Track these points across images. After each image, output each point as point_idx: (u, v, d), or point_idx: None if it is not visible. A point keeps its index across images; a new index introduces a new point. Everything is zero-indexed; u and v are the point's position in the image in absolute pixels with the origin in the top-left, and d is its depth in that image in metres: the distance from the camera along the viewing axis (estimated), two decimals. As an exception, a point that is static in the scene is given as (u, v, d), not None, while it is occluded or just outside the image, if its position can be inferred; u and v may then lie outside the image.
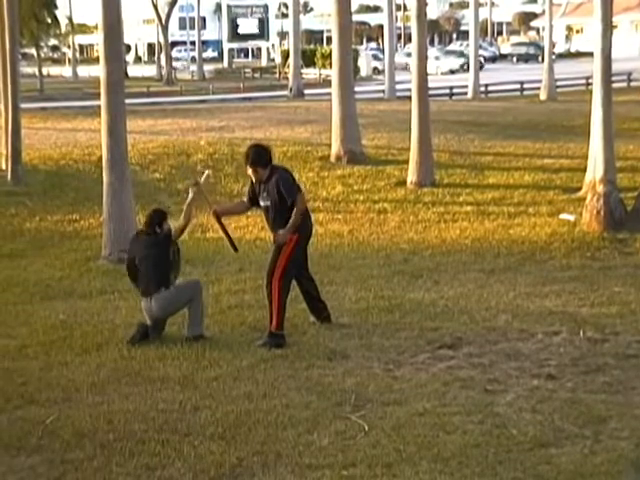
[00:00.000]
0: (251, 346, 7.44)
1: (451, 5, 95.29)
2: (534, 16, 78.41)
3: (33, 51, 48.02)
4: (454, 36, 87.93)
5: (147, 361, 7.03)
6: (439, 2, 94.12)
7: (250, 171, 7.65)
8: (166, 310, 7.62)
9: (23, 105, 18.29)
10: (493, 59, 62.97)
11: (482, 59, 57.59)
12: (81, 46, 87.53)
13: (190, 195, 7.92)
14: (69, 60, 67.77)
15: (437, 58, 54.41)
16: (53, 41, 60.30)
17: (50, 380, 6.60)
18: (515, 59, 63.81)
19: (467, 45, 45.46)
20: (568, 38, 72.69)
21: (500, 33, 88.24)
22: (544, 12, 37.81)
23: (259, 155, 7.58)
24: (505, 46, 72.58)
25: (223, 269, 10.91)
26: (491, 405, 5.99)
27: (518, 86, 36.71)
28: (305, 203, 7.67)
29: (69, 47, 68.28)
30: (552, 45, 35.99)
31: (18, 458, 5.23)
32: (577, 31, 71.84)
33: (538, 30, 72.60)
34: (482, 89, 35.32)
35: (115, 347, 7.43)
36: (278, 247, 7.57)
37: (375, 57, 54.84)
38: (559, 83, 34.54)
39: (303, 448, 5.34)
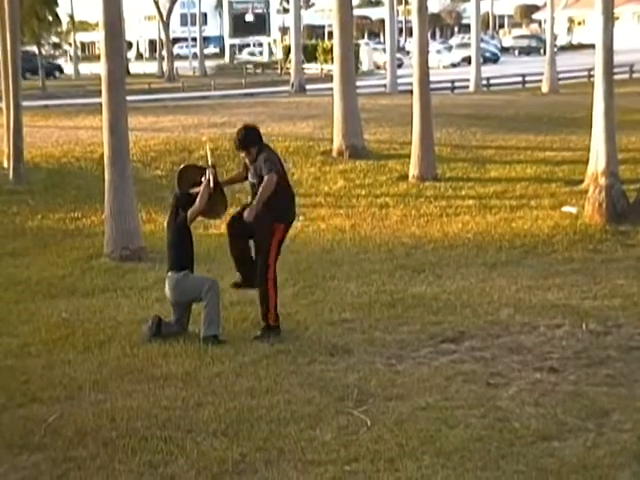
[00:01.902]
0: (253, 342, 7.45)
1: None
2: (536, 8, 78.22)
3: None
4: (455, 29, 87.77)
5: (150, 358, 7.04)
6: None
7: (243, 154, 7.71)
8: (173, 293, 7.63)
9: (25, 103, 18.29)
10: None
11: (498, 52, 57.66)
12: (82, 43, 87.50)
13: (208, 177, 7.74)
14: (70, 57, 67.76)
15: (439, 52, 54.34)
16: (54, 39, 60.36)
17: (53, 378, 6.60)
18: (517, 52, 63.66)
19: (469, 38, 45.28)
20: (570, 30, 72.52)
21: (502, 26, 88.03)
22: (546, 4, 37.68)
23: (248, 136, 7.67)
24: (507, 39, 72.42)
25: (225, 265, 10.84)
26: (493, 399, 6.00)
27: (520, 79, 36.65)
28: (272, 184, 7.38)
29: (70, 45, 68.29)
30: (554, 37, 35.93)
31: (21, 456, 5.24)
32: (579, 23, 71.67)
33: (540, 22, 72.44)
34: (484, 82, 35.27)
35: (118, 345, 7.43)
36: (263, 238, 7.49)
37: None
38: (561, 75, 34.48)
39: (306, 444, 5.35)
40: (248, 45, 76.41)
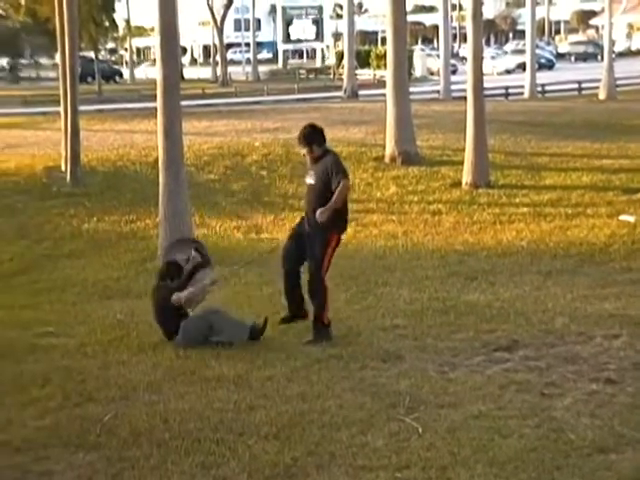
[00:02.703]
0: (305, 347, 7.45)
1: (508, 4, 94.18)
2: (593, 14, 77.16)
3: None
4: (510, 35, 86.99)
5: (202, 360, 7.09)
6: (495, 1, 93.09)
7: (305, 150, 7.71)
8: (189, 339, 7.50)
9: (82, 107, 18.59)
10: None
11: (554, 58, 57.01)
12: (138, 48, 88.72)
13: (207, 282, 7.67)
14: (126, 62, 68.73)
15: (493, 58, 53.89)
16: (111, 44, 61.30)
17: (108, 378, 6.69)
18: (573, 58, 62.87)
19: (524, 44, 44.83)
20: (629, 36, 71.34)
21: (558, 32, 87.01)
22: (604, 10, 37.17)
23: (314, 134, 7.69)
24: (563, 45, 71.56)
25: (277, 270, 10.91)
26: (548, 409, 5.90)
27: (576, 85, 36.17)
28: (348, 192, 7.58)
29: (126, 50, 69.27)
30: (612, 43, 35.39)
31: (77, 455, 5.30)
32: (638, 29, 70.48)
33: (597, 28, 71.42)
34: (539, 89, 34.88)
35: (171, 346, 7.49)
36: (318, 246, 7.49)
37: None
38: (619, 82, 33.94)
39: (357, 449, 5.32)
40: (301, 51, 76.76)
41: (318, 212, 7.42)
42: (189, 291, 7.48)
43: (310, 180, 7.66)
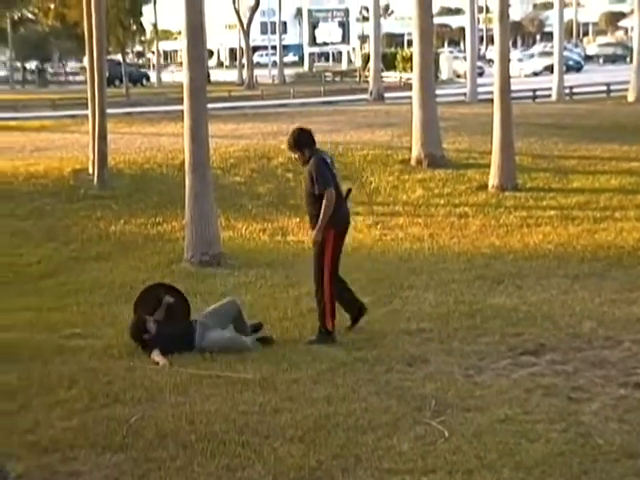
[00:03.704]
0: (331, 349, 7.45)
1: (535, 6, 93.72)
2: (622, 16, 76.60)
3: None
4: (538, 38, 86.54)
5: (228, 363, 7.11)
6: (522, 3, 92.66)
7: (297, 155, 7.84)
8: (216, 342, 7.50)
9: (109, 110, 18.72)
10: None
11: (582, 60, 56.59)
12: (165, 52, 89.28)
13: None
14: (153, 65, 69.16)
15: (520, 60, 53.62)
16: (138, 47, 61.66)
17: (134, 380, 6.72)
18: (602, 60, 62.39)
19: (552, 47, 44.52)
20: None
21: (586, 34, 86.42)
22: (633, 11, 36.81)
23: (300, 137, 7.77)
24: (591, 47, 71.05)
25: (303, 272, 10.92)
26: (575, 414, 5.86)
27: (604, 88, 35.87)
28: (333, 199, 7.50)
29: (153, 53, 69.67)
30: (640, 45, 35.01)
31: (104, 455, 5.34)
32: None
33: (626, 30, 70.84)
34: (567, 91, 34.64)
35: (197, 348, 7.52)
36: (317, 247, 7.62)
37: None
38: (648, 84, 33.57)
39: (383, 452, 5.31)
40: (327, 54, 76.86)
41: (313, 234, 7.61)
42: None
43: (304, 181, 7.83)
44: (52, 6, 35.62)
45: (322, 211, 7.49)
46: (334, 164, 7.95)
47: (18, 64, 66.98)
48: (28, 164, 18.39)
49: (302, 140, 7.78)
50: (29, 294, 10.44)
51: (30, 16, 44.00)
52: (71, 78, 66.02)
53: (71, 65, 71.44)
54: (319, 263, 7.66)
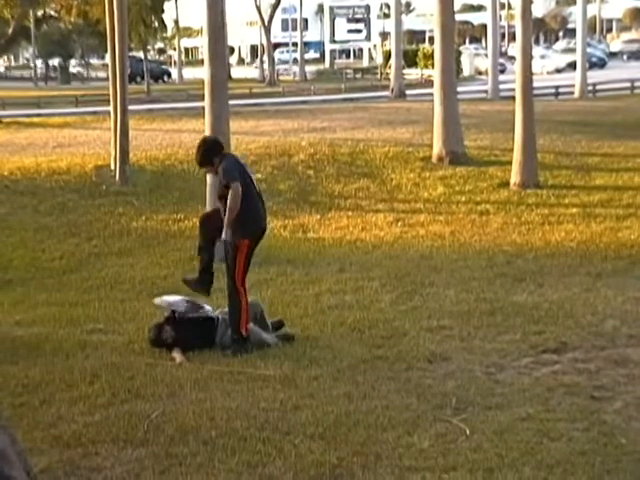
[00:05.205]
0: (352, 346, 7.44)
1: (558, 2, 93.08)
2: (646, 12, 75.91)
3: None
4: (560, 34, 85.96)
5: (249, 359, 7.12)
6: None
7: (207, 169, 7.63)
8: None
9: (131, 107, 18.79)
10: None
11: (605, 57, 56.12)
12: (186, 49, 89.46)
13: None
14: (174, 62, 69.37)
15: (543, 57, 53.26)
16: (160, 44, 61.85)
17: (155, 376, 6.74)
18: (626, 57, 61.85)
19: (575, 43, 44.21)
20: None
21: (610, 30, 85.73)
22: (656, 7, 36.49)
23: (208, 151, 7.43)
24: (615, 43, 70.46)
25: (324, 269, 10.95)
26: (598, 412, 5.82)
27: (628, 84, 35.56)
28: (239, 193, 7.04)
29: (175, 50, 69.87)
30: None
31: (125, 450, 5.36)
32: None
33: (651, 26, 70.24)
34: (590, 88, 34.39)
35: (218, 345, 7.53)
36: (228, 254, 7.30)
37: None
38: (673, 81, 33.32)
39: (403, 450, 5.30)
40: (348, 50, 76.74)
41: (223, 234, 7.17)
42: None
43: (219, 192, 7.41)
44: (75, 3, 35.83)
45: (228, 207, 7.03)
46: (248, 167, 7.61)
47: (41, 61, 67.46)
48: (51, 160, 18.49)
49: (208, 154, 7.35)
50: (52, 289, 10.52)
51: (53, 13, 44.30)
52: (93, 75, 66.36)
53: (93, 62, 71.88)
54: (231, 273, 7.33)
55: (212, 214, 7.75)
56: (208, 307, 7.73)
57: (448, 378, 6.57)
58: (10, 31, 30.40)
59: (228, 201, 7.12)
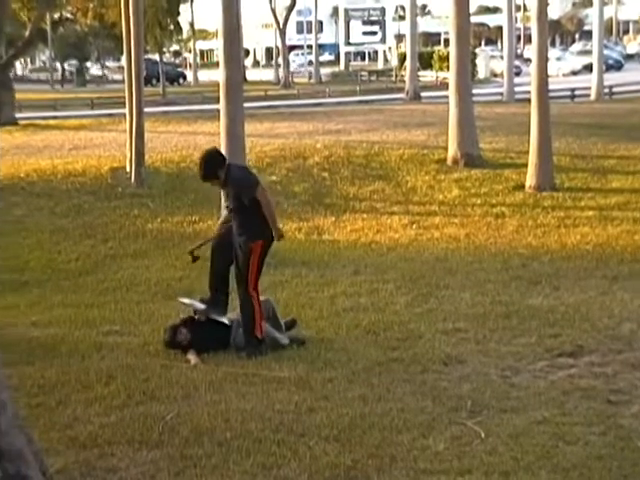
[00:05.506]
0: (367, 349, 7.44)
1: (574, 4, 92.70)
2: (663, 14, 75.50)
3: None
4: (576, 36, 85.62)
5: (263, 361, 7.13)
6: (561, 1, 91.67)
7: (215, 182, 7.55)
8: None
9: (146, 109, 18.86)
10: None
11: (622, 59, 55.83)
12: (201, 51, 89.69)
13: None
14: (190, 65, 69.56)
15: (559, 59, 53.07)
16: (175, 46, 62.03)
17: (170, 378, 6.75)
18: (643, 59, 61.58)
19: (591, 45, 44.03)
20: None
21: (626, 32, 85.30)
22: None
23: (211, 163, 7.43)
24: (632, 45, 70.14)
25: (338, 271, 10.95)
26: (614, 416, 5.78)
27: (645, 87, 35.37)
28: (268, 195, 7.39)
29: (190, 52, 70.05)
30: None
31: (140, 452, 5.37)
32: None
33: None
34: (606, 91, 34.23)
35: (232, 347, 7.54)
36: (242, 257, 7.33)
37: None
38: (690, 83, 33.10)
39: (418, 453, 5.29)
40: (363, 53, 76.66)
41: (276, 230, 7.35)
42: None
43: (226, 202, 7.55)
44: (91, 6, 36.02)
45: (267, 212, 7.25)
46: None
47: (57, 64, 67.81)
48: (67, 162, 18.58)
49: (212, 166, 7.37)
50: (68, 291, 10.56)
51: (69, 16, 44.56)
52: (110, 77, 66.65)
53: (109, 64, 72.20)
54: (245, 272, 7.36)
55: (222, 242, 7.68)
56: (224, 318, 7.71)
57: (463, 381, 6.55)
58: (27, 33, 30.56)
59: (264, 205, 7.27)
